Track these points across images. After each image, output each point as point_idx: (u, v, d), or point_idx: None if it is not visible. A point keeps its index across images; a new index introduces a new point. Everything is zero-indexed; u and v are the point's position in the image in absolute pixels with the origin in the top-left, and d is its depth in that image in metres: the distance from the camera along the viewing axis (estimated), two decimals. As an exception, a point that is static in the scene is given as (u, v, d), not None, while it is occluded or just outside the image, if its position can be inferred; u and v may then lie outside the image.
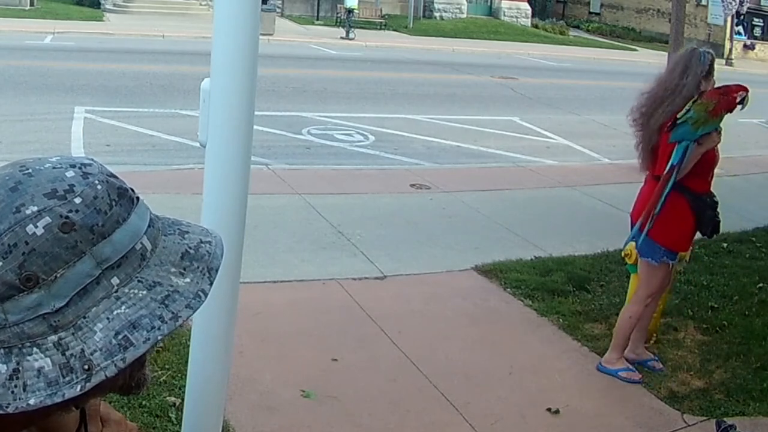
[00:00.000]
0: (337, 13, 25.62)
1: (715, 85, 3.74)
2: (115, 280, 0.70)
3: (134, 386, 0.78)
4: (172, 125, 9.39)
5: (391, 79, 15.11)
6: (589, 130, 11.79)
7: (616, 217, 5.87)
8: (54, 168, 0.71)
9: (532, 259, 5.60)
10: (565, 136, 11.12)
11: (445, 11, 29.46)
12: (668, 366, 4.16)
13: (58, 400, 0.66)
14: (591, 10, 36.06)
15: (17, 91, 10.67)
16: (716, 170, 3.93)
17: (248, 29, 1.42)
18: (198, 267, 0.75)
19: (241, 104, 1.45)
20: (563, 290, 5.02)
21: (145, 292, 0.71)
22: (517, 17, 30.76)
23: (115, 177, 0.74)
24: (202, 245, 0.77)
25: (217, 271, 0.76)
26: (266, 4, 22.07)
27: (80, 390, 0.67)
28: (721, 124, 3.74)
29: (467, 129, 10.99)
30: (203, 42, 15.25)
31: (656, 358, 4.20)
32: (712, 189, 3.87)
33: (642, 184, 4.00)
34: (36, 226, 0.67)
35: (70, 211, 0.68)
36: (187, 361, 1.64)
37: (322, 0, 27.80)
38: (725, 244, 6.15)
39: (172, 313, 0.71)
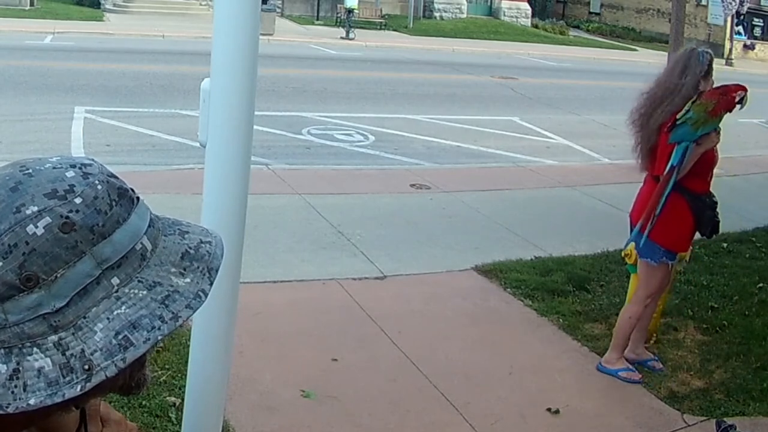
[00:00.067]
0: (337, 13, 25.62)
1: (714, 85, 3.74)
2: (115, 280, 0.70)
3: (134, 386, 0.78)
4: (172, 125, 9.39)
5: (391, 79, 15.11)
6: (589, 130, 11.79)
7: (616, 217, 5.87)
8: (54, 168, 0.71)
9: (532, 259, 5.60)
10: (565, 136, 11.12)
11: (445, 11, 29.46)
12: (668, 366, 4.16)
13: (58, 400, 0.66)
14: (591, 10, 36.06)
15: (17, 91, 10.67)
16: (716, 170, 3.93)
17: (248, 29, 1.42)
18: (198, 267, 0.75)
19: (241, 104, 1.45)
20: (563, 290, 5.02)
21: (145, 292, 0.71)
22: (517, 17, 30.76)
23: (116, 177, 0.74)
24: (202, 245, 0.77)
25: (217, 271, 0.76)
26: (266, 4, 22.07)
27: (80, 390, 0.67)
28: (721, 125, 3.74)
29: (467, 129, 10.99)
30: (203, 42, 15.25)
31: (656, 358, 4.20)
32: (711, 189, 3.87)
33: (641, 184, 4.00)
34: (36, 226, 0.67)
35: (71, 211, 0.68)
36: (187, 361, 1.64)
37: (322, 0, 27.81)
38: (725, 244, 6.15)
39: (173, 313, 0.71)
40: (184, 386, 1.65)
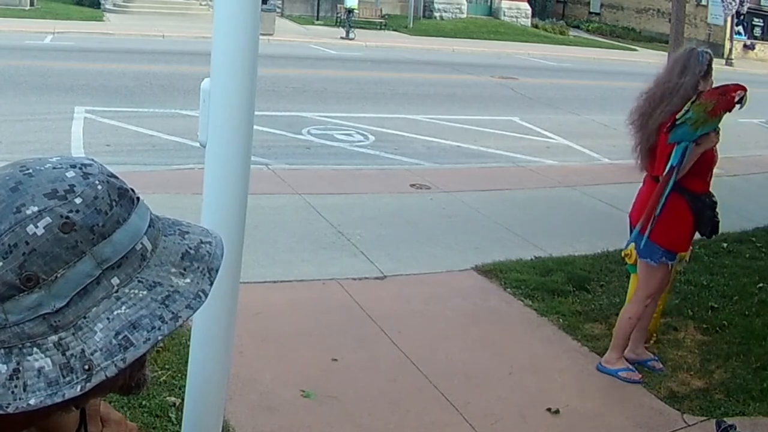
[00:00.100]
0: (337, 13, 25.62)
1: (714, 85, 3.73)
2: (115, 281, 0.70)
3: (134, 386, 0.78)
4: (172, 125, 9.39)
5: (391, 79, 15.11)
6: (589, 130, 11.79)
7: (616, 217, 5.86)
8: (54, 168, 0.71)
9: (532, 259, 5.60)
10: (565, 136, 11.12)
11: (445, 11, 29.47)
12: (668, 366, 4.16)
13: (58, 400, 0.66)
14: (591, 10, 36.06)
15: (17, 91, 10.67)
16: (716, 170, 3.92)
17: (248, 29, 1.42)
18: (198, 267, 0.75)
19: (241, 104, 1.45)
20: (563, 290, 5.02)
21: (145, 293, 0.71)
22: (517, 17, 30.76)
23: (116, 177, 0.74)
24: (203, 245, 0.77)
25: (217, 271, 0.76)
26: (266, 4, 22.07)
27: (80, 390, 0.67)
28: (720, 125, 3.74)
29: (467, 129, 10.99)
30: (203, 42, 15.26)
31: (656, 358, 4.20)
32: (711, 189, 3.87)
33: (641, 184, 4.00)
34: (36, 227, 0.67)
35: (71, 211, 0.68)
36: (187, 361, 1.65)
37: (322, 0, 27.81)
38: (725, 244, 6.15)
39: (173, 313, 0.71)
40: (184, 386, 1.65)
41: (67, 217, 0.68)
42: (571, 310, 4.76)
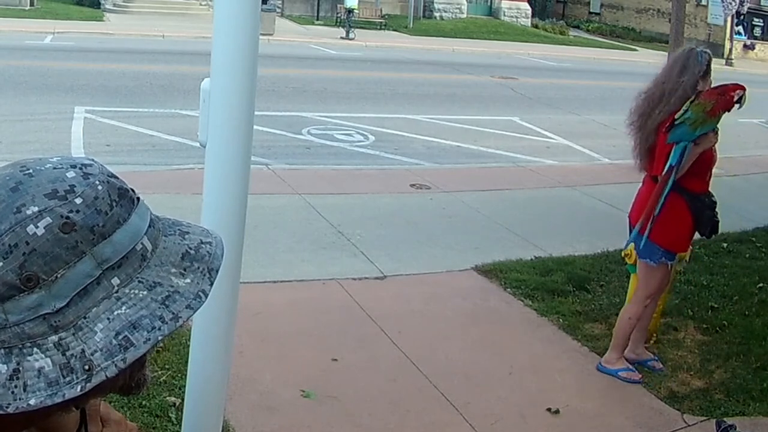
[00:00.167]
0: (337, 13, 25.62)
1: (713, 85, 3.73)
2: (115, 281, 0.70)
3: (134, 386, 0.78)
4: (172, 125, 9.39)
5: (391, 79, 15.11)
6: (589, 130, 11.79)
7: (616, 217, 5.86)
8: (55, 168, 0.71)
9: (532, 259, 5.60)
10: (565, 136, 11.12)
11: (445, 11, 29.47)
12: (668, 366, 4.16)
13: (58, 400, 0.66)
14: (591, 10, 36.06)
15: (17, 91, 10.67)
16: (716, 170, 3.92)
17: (248, 29, 1.42)
18: (198, 267, 0.75)
19: (241, 104, 1.45)
20: (563, 290, 5.02)
21: (145, 293, 0.71)
22: (517, 17, 30.76)
23: (116, 177, 0.74)
24: (203, 246, 0.77)
25: (217, 271, 0.76)
26: (266, 4, 22.07)
27: (80, 390, 0.67)
28: (720, 125, 3.74)
29: (467, 129, 10.99)
30: (203, 42, 15.25)
31: (656, 358, 4.20)
32: (711, 189, 3.87)
33: (641, 184, 4.00)
34: (37, 227, 0.67)
35: (71, 211, 0.68)
36: (187, 361, 1.65)
37: (322, 0, 27.81)
38: (725, 244, 6.15)
39: (173, 313, 0.71)
40: (184, 386, 1.65)
41: (68, 218, 0.68)
42: (571, 310, 4.76)
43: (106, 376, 0.67)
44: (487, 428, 3.50)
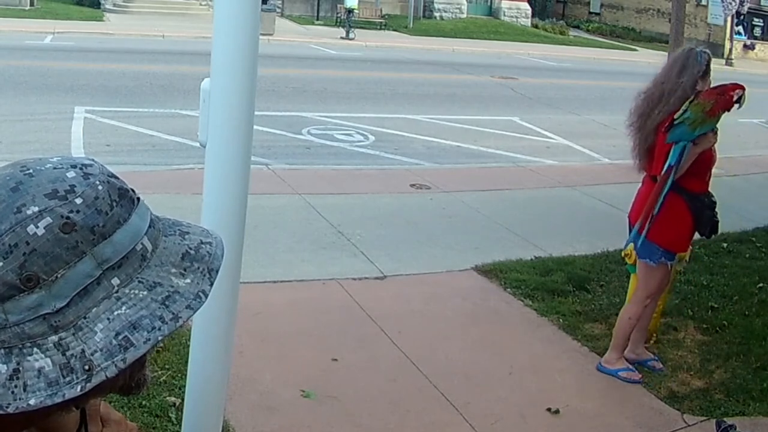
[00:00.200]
0: (337, 13, 25.62)
1: (712, 85, 3.73)
2: (115, 281, 0.70)
3: (134, 386, 0.78)
4: (172, 125, 9.39)
5: (391, 79, 15.11)
6: (589, 130, 11.79)
7: (616, 217, 5.86)
8: (55, 168, 0.71)
9: (532, 259, 5.60)
10: (565, 136, 11.12)
11: (445, 11, 29.47)
12: (668, 366, 4.16)
13: (58, 400, 0.66)
14: (591, 10, 36.06)
15: (17, 91, 10.67)
16: (716, 170, 3.92)
17: (248, 29, 1.42)
18: (198, 268, 0.75)
19: (241, 104, 1.45)
20: (563, 290, 5.02)
21: (145, 293, 0.71)
22: (517, 17, 30.76)
23: (116, 177, 0.74)
24: (203, 246, 0.77)
25: (217, 271, 0.76)
26: (266, 4, 22.07)
27: (80, 390, 0.67)
28: (720, 125, 3.74)
29: (467, 129, 10.99)
30: (203, 42, 15.26)
31: (656, 358, 4.20)
32: (711, 189, 3.87)
33: (640, 185, 4.00)
34: (37, 227, 0.67)
35: (71, 211, 0.68)
36: (187, 361, 1.65)
37: (322, 0, 27.81)
38: (725, 244, 6.15)
39: (173, 313, 0.71)
40: (184, 386, 1.65)
41: (68, 218, 0.68)
42: (571, 310, 4.76)
43: (106, 376, 0.67)
44: (487, 428, 3.50)
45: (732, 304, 5.01)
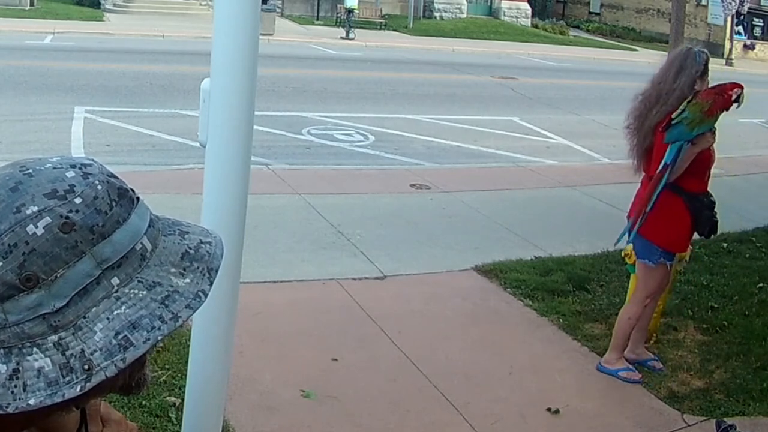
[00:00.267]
0: (337, 13, 25.62)
1: (710, 85, 3.73)
2: (115, 281, 0.70)
3: (134, 386, 0.78)
4: (172, 125, 9.39)
5: (391, 79, 15.11)
6: (589, 130, 11.79)
7: (616, 217, 5.86)
8: (54, 168, 0.71)
9: (532, 259, 5.60)
10: (565, 136, 11.12)
11: (445, 11, 29.46)
12: (668, 366, 4.16)
13: (58, 400, 0.66)
14: (591, 10, 36.06)
15: (17, 91, 10.67)
16: (715, 170, 3.92)
17: (248, 29, 1.42)
18: (198, 267, 0.75)
19: (241, 104, 1.45)
20: (563, 290, 5.02)
21: (145, 293, 0.71)
22: (517, 17, 30.76)
23: (116, 177, 0.74)
24: (202, 246, 0.77)
25: (217, 271, 0.76)
26: (266, 4, 22.07)
27: (80, 390, 0.67)
28: (721, 125, 3.73)
29: (467, 129, 10.99)
30: (203, 42, 15.25)
31: (656, 358, 4.20)
32: (710, 189, 3.87)
33: (639, 185, 4.00)
34: (36, 226, 0.67)
35: (71, 211, 0.68)
36: (187, 361, 1.65)
37: (322, 0, 27.81)
38: (725, 244, 6.15)
39: (172, 313, 0.71)
40: (184, 386, 1.65)
41: (67, 217, 0.68)
42: (571, 310, 4.76)
43: (106, 375, 0.67)
44: (487, 428, 3.50)
45: (732, 304, 5.01)
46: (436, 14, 29.32)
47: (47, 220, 0.67)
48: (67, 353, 0.67)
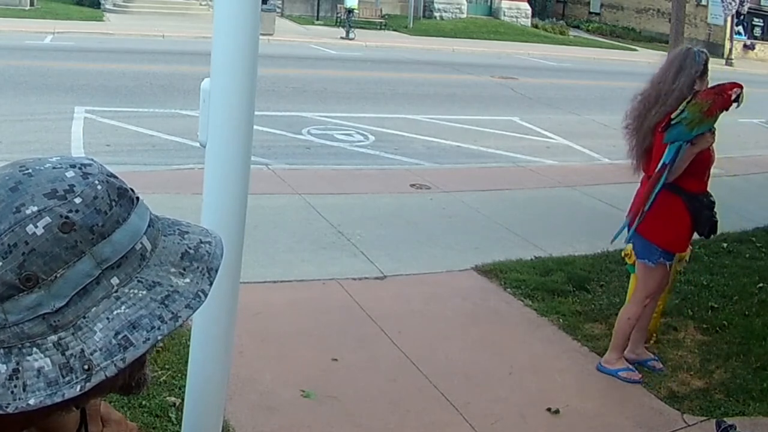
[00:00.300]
0: (337, 13, 25.62)
1: (709, 85, 3.72)
2: (114, 280, 0.70)
3: (134, 386, 0.78)
4: (172, 125, 9.39)
5: (391, 79, 15.11)
6: (589, 130, 11.79)
7: (616, 217, 5.85)
8: (54, 168, 0.71)
9: (532, 259, 5.60)
10: (565, 136, 11.12)
11: (445, 11, 29.46)
12: (668, 366, 4.16)
13: (57, 400, 0.66)
14: (591, 10, 36.06)
15: (17, 91, 10.67)
16: (715, 170, 3.92)
17: (248, 29, 1.42)
18: (198, 267, 0.75)
19: (241, 104, 1.45)
20: (563, 290, 5.02)
21: (144, 292, 0.71)
22: (517, 17, 30.76)
23: (115, 177, 0.74)
24: (202, 245, 0.77)
25: (216, 271, 0.76)
26: (266, 4, 22.08)
27: (80, 390, 0.67)
28: (721, 125, 3.73)
29: (467, 129, 10.99)
30: (203, 42, 15.26)
31: (656, 358, 4.20)
32: (710, 189, 3.86)
33: (639, 185, 4.00)
34: (36, 226, 0.67)
35: (70, 211, 0.68)
36: (187, 361, 1.64)
37: (322, 0, 27.81)
38: (725, 244, 6.15)
39: (172, 313, 0.71)
40: (184, 386, 1.65)
41: (67, 217, 0.68)
42: (571, 310, 4.76)
43: (106, 375, 0.67)
44: (487, 428, 3.50)
45: (732, 304, 5.01)
46: (436, 14, 29.32)
47: (47, 220, 0.67)
48: (67, 353, 0.67)
